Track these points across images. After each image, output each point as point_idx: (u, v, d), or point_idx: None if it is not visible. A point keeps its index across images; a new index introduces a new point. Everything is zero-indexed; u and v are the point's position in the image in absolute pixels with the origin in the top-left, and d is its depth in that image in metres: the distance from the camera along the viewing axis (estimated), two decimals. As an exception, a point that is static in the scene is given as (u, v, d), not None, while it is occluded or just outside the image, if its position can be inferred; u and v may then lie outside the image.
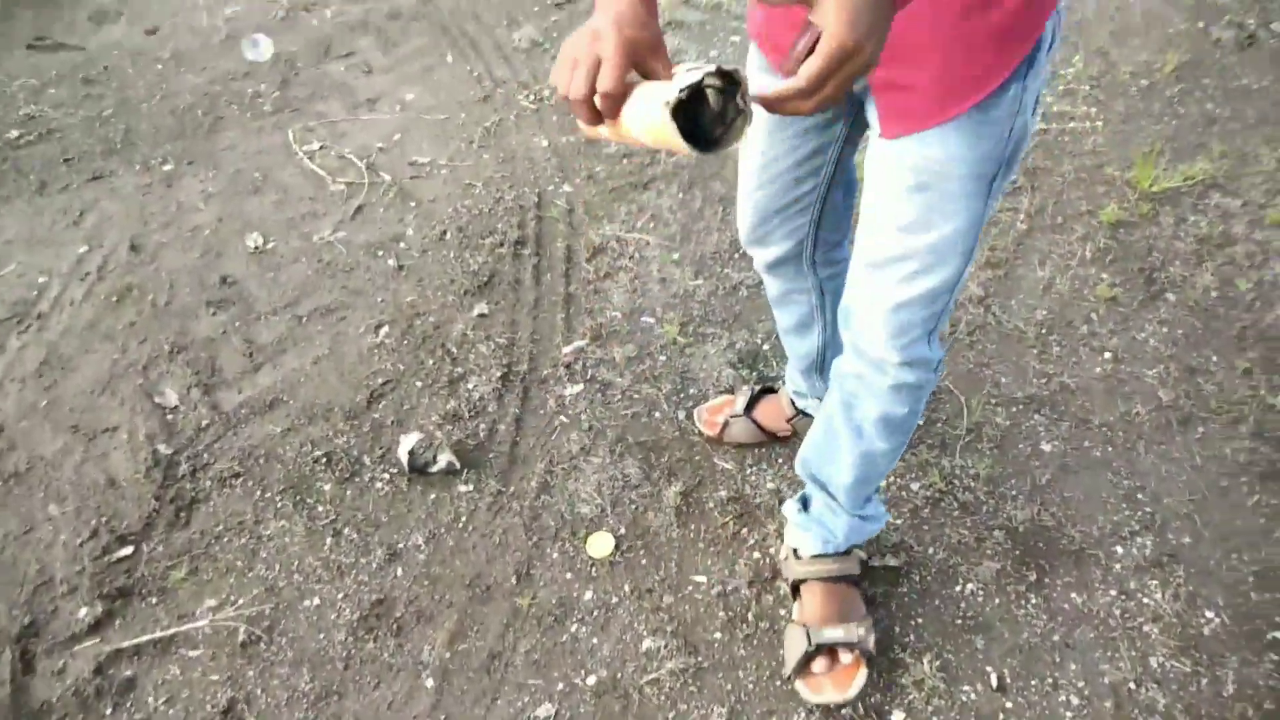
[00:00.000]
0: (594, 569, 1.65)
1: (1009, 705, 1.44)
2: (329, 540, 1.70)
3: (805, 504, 1.51)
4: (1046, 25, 0.94)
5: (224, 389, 2.00)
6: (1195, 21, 3.08)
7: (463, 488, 1.79)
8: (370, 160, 2.68)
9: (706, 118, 0.78)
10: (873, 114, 1.05)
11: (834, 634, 1.42)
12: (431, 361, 2.04)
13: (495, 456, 1.84)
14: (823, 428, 1.37)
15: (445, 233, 2.40)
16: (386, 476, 1.82)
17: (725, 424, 1.82)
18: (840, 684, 1.41)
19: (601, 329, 2.10)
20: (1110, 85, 2.82)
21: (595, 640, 1.55)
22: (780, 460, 1.82)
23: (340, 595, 1.62)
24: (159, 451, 1.86)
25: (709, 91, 0.77)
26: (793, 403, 1.79)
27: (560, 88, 0.80)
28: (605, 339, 2.08)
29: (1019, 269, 2.23)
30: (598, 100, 0.78)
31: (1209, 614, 1.56)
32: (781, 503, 1.73)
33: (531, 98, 2.91)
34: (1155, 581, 1.60)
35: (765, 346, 2.06)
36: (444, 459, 1.80)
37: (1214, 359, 1.99)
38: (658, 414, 1.92)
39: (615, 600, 1.60)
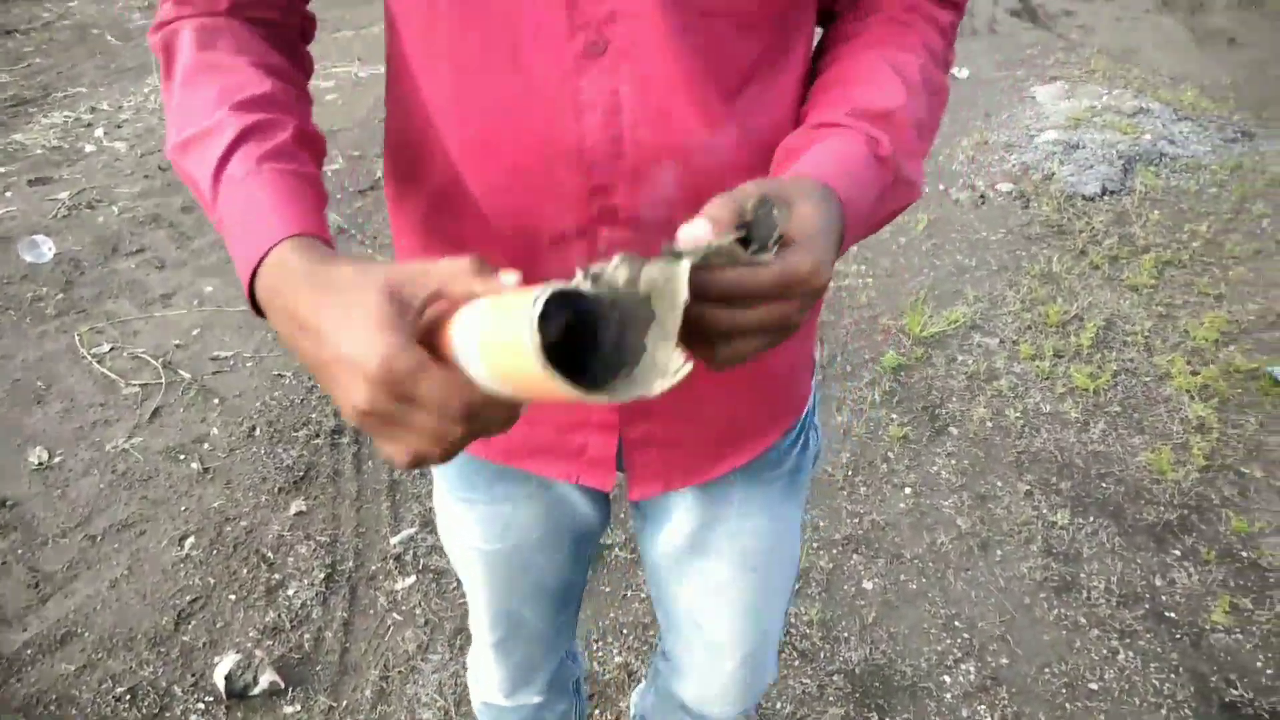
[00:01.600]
0: (441, 779, 1.56)
1: None
2: (135, 793, 1.52)
3: None
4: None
5: (4, 629, 1.78)
6: (937, 184, 3.55)
7: (289, 709, 1.65)
8: (167, 359, 2.56)
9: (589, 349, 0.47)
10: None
11: None
12: (245, 570, 1.92)
13: (323, 669, 1.73)
14: None
15: (254, 428, 2.30)
16: (202, 707, 1.65)
17: None
18: None
19: (431, 513, 2.06)
20: (874, 244, 3.17)
21: None
22: (625, 631, 1.82)
23: None
24: (-81, 716, 1.62)
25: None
26: None
27: (408, 459, 0.49)
28: (434, 523, 2.03)
29: (820, 417, 2.40)
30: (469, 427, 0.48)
31: (1034, 730, 1.66)
32: (631, 675, 1.71)
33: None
34: (983, 706, 1.70)
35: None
36: (265, 679, 1.67)
37: (999, 484, 2.20)
38: (495, 599, 1.88)
39: (467, 811, 1.51)
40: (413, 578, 1.91)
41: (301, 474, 2.16)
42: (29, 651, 1.74)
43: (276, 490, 2.11)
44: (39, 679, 1.69)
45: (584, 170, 0.66)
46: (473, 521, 0.94)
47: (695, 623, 1.01)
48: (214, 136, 0.59)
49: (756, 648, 1.01)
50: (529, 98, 0.65)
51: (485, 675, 1.15)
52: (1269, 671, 1.78)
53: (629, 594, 1.90)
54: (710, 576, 0.95)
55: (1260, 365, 2.67)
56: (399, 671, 1.72)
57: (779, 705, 1.68)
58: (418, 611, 1.84)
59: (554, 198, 0.68)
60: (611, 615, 1.84)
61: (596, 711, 1.67)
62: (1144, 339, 2.77)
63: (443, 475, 0.94)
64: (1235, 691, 1.74)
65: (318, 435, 2.28)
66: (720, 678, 1.04)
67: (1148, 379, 2.61)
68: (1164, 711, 1.70)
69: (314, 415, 2.34)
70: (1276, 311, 2.91)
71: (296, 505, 2.07)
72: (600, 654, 1.77)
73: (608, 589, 1.90)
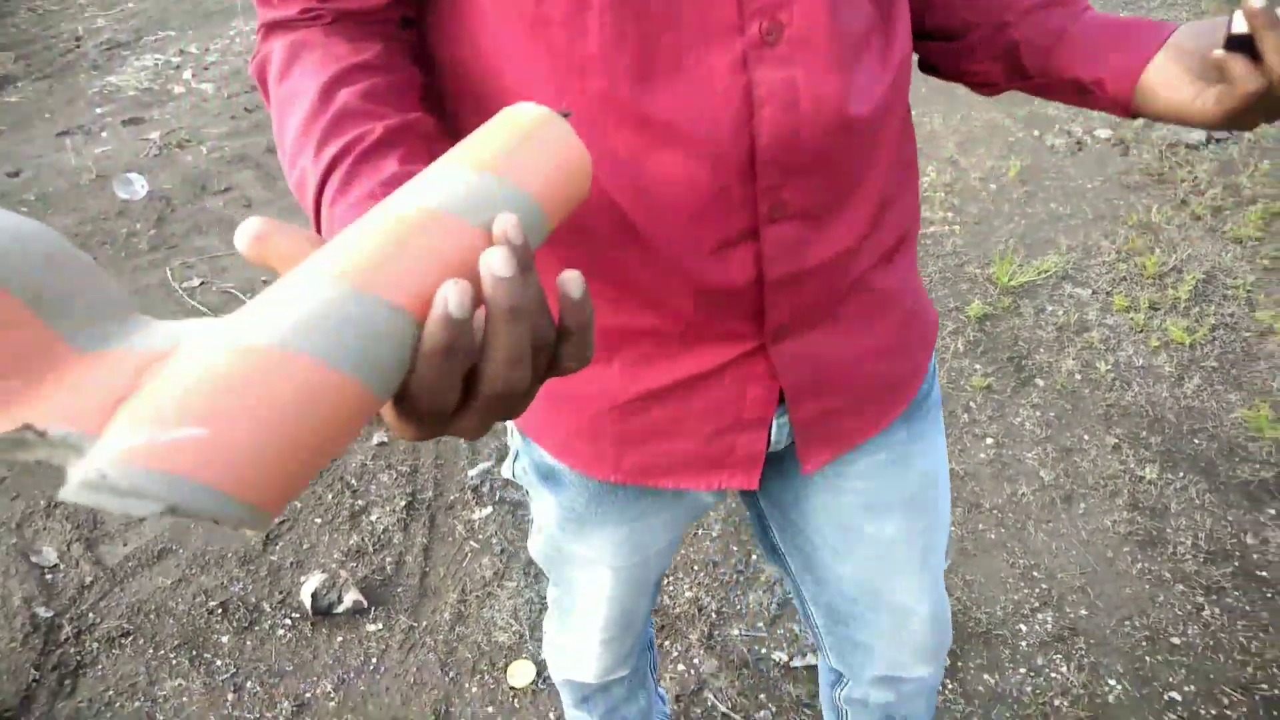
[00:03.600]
0: (516, 700, 1.60)
1: (941, 797, 1.46)
2: (230, 696, 1.60)
3: None
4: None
5: (106, 543, 1.89)
6: (1031, 130, 3.41)
7: (371, 627, 1.72)
8: (254, 293, 2.63)
9: None
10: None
11: None
12: (330, 496, 1.98)
13: (404, 591, 1.78)
14: None
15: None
16: (289, 622, 1.73)
17: None
18: None
19: (507, 448, 2.09)
20: (963, 190, 3.07)
21: (523, 776, 1.49)
22: (696, 568, 1.83)
23: (245, 757, 1.52)
24: (38, 615, 1.72)
25: None
26: None
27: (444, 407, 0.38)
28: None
29: (900, 364, 2.35)
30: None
31: (1111, 682, 1.63)
32: (700, 610, 1.73)
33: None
34: (1059, 656, 1.67)
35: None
36: (349, 598, 1.73)
37: (1085, 437, 2.14)
38: (569, 531, 1.91)
39: (541, 730, 1.56)
40: (489, 508, 1.95)
41: (383, 406, 2.22)
42: (130, 564, 1.84)
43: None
44: (139, 589, 1.79)
45: (758, 169, 0.63)
46: (602, 542, 0.90)
47: (872, 591, 0.94)
48: (304, 187, 0.56)
49: (938, 598, 0.96)
50: (695, 100, 0.60)
51: (582, 662, 1.12)
52: (1368, 636, 1.71)
53: (700, 532, 1.91)
54: (884, 533, 0.89)
55: (1373, 322, 2.52)
56: (476, 596, 1.77)
57: (850, 646, 1.68)
58: (494, 541, 1.88)
59: (722, 203, 0.64)
60: (683, 552, 1.86)
61: (666, 643, 1.69)
62: (1246, 293, 2.64)
63: (559, 504, 0.88)
64: (1330, 654, 1.67)
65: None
66: (915, 637, 0.97)
67: (1248, 334, 2.49)
68: (1250, 669, 1.65)
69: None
70: (1395, 266, 2.73)
71: (378, 435, 2.13)
72: (671, 589, 1.79)
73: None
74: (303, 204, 0.56)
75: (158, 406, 0.30)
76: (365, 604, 1.73)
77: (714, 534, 1.90)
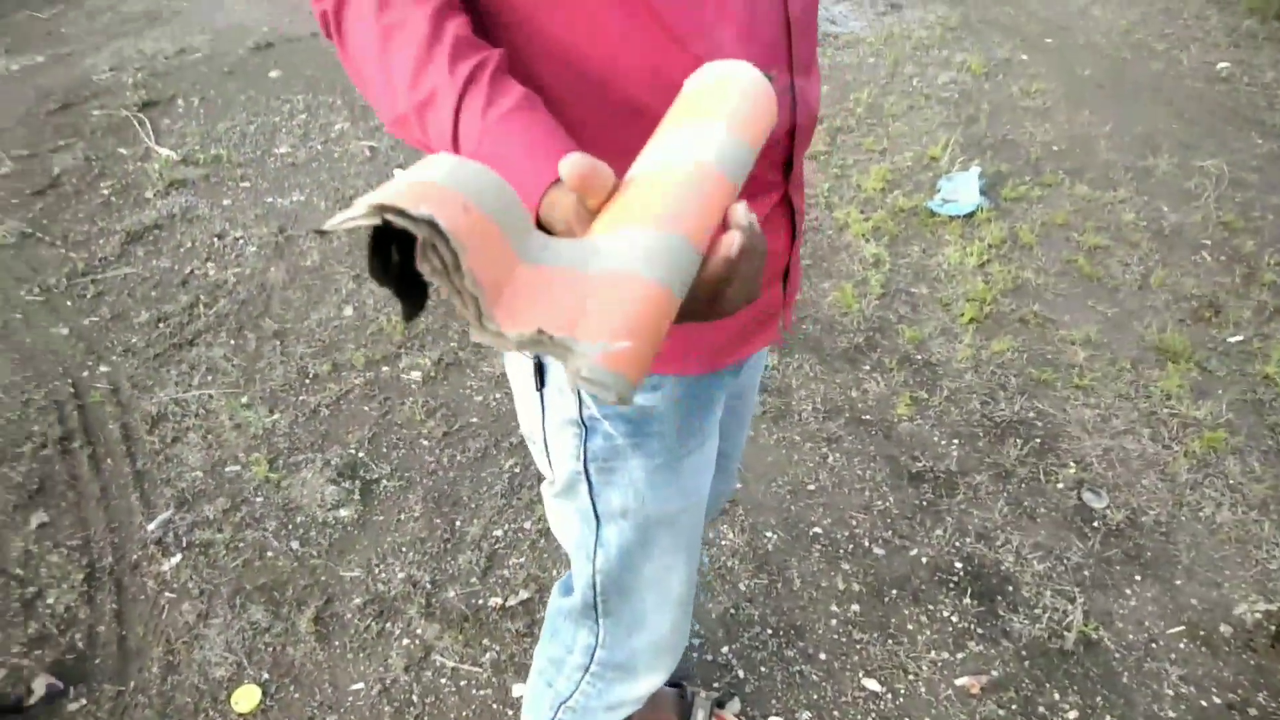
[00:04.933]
0: (247, 723, 1.61)
1: (650, 670, 1.68)
2: (-82, 830, 1.46)
3: None
4: None
5: None
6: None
7: (74, 706, 1.63)
8: None
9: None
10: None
11: None
12: (-7, 593, 1.83)
13: (103, 660, 1.71)
14: None
15: (-30, 455, 2.15)
16: (-26, 733, 1.60)
17: None
18: None
19: (185, 493, 2.04)
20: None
21: (269, 789, 1.52)
22: (404, 549, 1.92)
23: None
24: None
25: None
26: None
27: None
28: (193, 501, 2.02)
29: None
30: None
31: (768, 534, 1.94)
32: (415, 585, 1.83)
33: (35, 289, 2.71)
34: (725, 526, 1.96)
35: (360, 454, 2.15)
36: (40, 685, 1.63)
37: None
38: (269, 553, 1.92)
39: (278, 743, 1.58)
40: (178, 556, 1.90)
41: (36, 487, 2.06)
42: None
43: (12, 509, 2.01)
44: None
45: (792, 29, 0.79)
46: (689, 476, 0.95)
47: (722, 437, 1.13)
48: (434, 100, 0.61)
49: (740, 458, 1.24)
50: (752, 45, 0.75)
51: (663, 665, 1.14)
52: (942, 442, 2.17)
53: (402, 516, 1.99)
54: (743, 388, 1.12)
55: (918, 203, 3.11)
56: (183, 643, 1.74)
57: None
58: (190, 585, 1.85)
59: (774, 60, 0.79)
60: (388, 539, 1.94)
61: (388, 625, 1.77)
62: (825, 198, 3.14)
63: (649, 456, 0.92)
64: (919, 464, 2.11)
65: (45, 446, 2.17)
66: (713, 499, 1.21)
67: (830, 232, 2.98)
68: (867, 493, 2.04)
69: (36, 427, 2.22)
70: (928, 155, 3.37)
71: (38, 518, 1.99)
72: (383, 575, 1.86)
73: (380, 517, 1.99)
74: (422, 115, 0.62)
75: (611, 326, 0.45)
76: (61, 685, 1.64)
77: (415, 514, 2.00)
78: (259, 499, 2.04)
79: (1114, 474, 2.06)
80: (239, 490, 2.06)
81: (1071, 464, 2.09)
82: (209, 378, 2.37)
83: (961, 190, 3.13)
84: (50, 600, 1.82)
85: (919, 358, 2.44)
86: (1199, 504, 1.98)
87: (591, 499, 0.95)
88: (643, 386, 0.88)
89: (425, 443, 2.18)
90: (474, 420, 2.24)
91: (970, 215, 3.04)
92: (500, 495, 2.04)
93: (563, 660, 1.16)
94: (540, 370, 0.90)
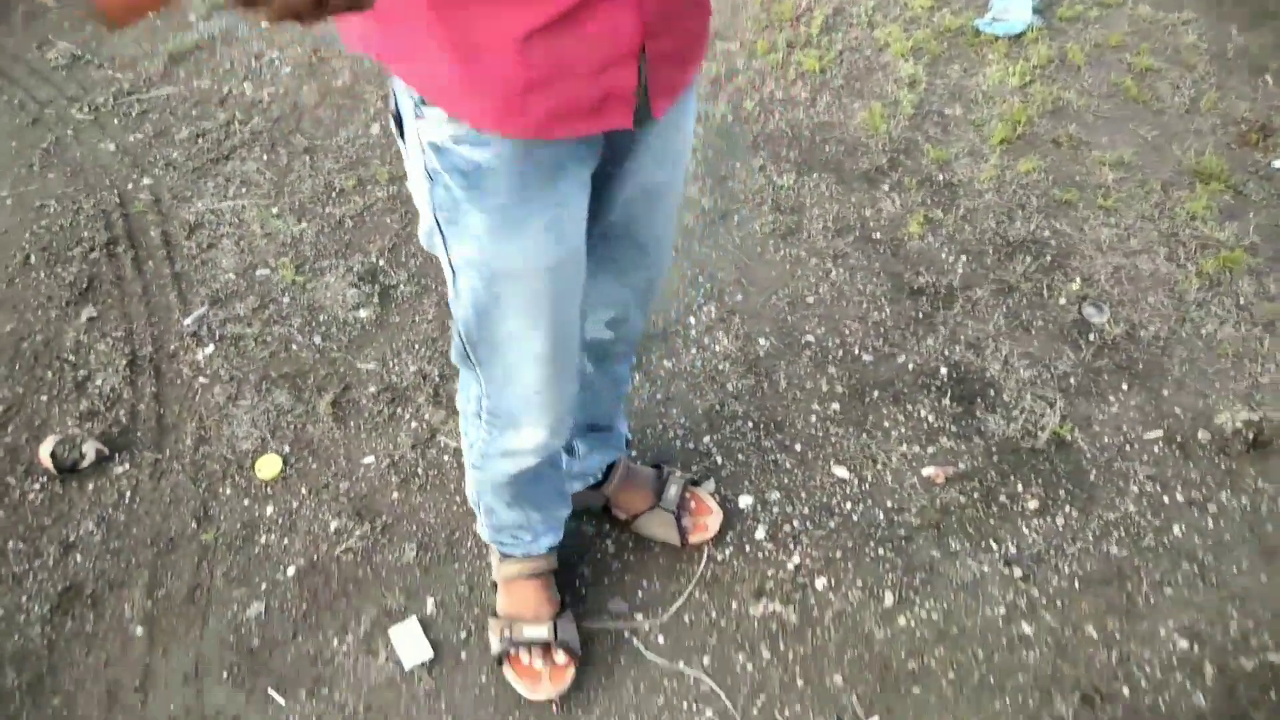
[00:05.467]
0: (269, 489, 1.79)
1: (633, 455, 1.79)
2: (-10, 560, 1.69)
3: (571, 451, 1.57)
4: None
5: None
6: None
7: (119, 469, 1.83)
8: (-81, 212, 2.50)
9: None
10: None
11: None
12: (50, 374, 2.03)
13: (143, 434, 1.90)
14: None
15: (29, 257, 2.33)
16: (37, 486, 1.81)
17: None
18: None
19: (219, 293, 2.18)
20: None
21: (286, 541, 1.70)
22: (417, 346, 2.04)
23: (24, 598, 1.63)
24: None
25: None
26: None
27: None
28: (225, 300, 2.17)
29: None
30: None
31: (761, 341, 2.00)
32: (425, 378, 1.95)
33: (85, 108, 2.83)
34: (721, 333, 2.02)
35: (381, 262, 2.25)
36: (90, 450, 1.83)
37: (736, 165, 2.46)
38: (294, 346, 2.06)
39: (296, 504, 1.76)
40: (211, 347, 2.06)
41: (85, 286, 2.23)
42: None
43: (65, 304, 2.19)
44: None
45: None
46: (535, 234, 0.97)
47: (633, 220, 1.15)
48: None
49: (666, 261, 1.24)
50: None
51: (534, 428, 1.20)
52: (949, 259, 2.16)
53: (416, 318, 2.10)
54: (656, 179, 1.11)
55: (966, 20, 2.96)
56: (214, 420, 1.91)
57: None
58: (222, 372, 2.01)
59: None
60: (403, 337, 2.05)
61: (399, 410, 1.91)
62: (867, 18, 3.02)
63: (487, 210, 0.95)
64: (922, 279, 2.11)
65: (93, 250, 2.32)
66: (645, 275, 1.25)
67: (869, 52, 2.87)
68: (865, 305, 2.06)
69: (85, 233, 2.37)
70: (980, -29, 3.18)
71: (87, 312, 2.16)
72: (396, 368, 1.99)
73: (397, 319, 2.11)
74: None
75: None
76: (108, 452, 1.84)
77: (429, 317, 2.11)
78: (286, 299, 2.17)
79: (1120, 290, 2.04)
80: (268, 291, 2.19)
81: (1078, 280, 2.06)
82: (242, 189, 2.48)
83: (1014, 7, 2.96)
84: (99, 382, 2.00)
85: (940, 178, 2.39)
86: (1202, 321, 1.96)
87: (446, 249, 1.01)
88: (472, 140, 0.91)
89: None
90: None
91: (1019, 35, 2.89)
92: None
93: (467, 411, 1.28)
94: (399, 120, 0.96)
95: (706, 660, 1.51)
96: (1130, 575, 1.56)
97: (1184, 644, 1.50)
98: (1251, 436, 1.70)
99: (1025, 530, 1.63)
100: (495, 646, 1.48)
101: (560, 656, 1.46)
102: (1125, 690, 1.45)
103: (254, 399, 1.95)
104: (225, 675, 1.52)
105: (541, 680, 1.45)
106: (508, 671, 1.47)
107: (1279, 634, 1.52)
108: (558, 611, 1.50)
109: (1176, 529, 1.61)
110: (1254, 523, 1.62)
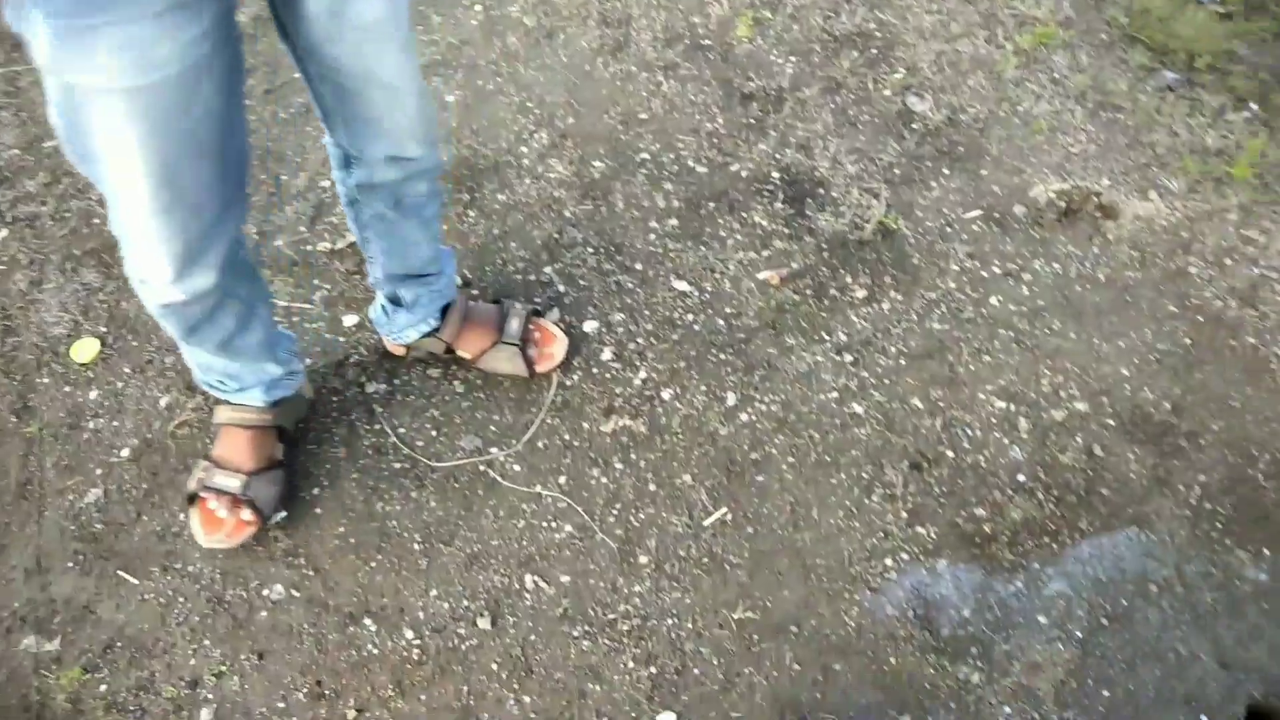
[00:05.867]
0: (90, 372, 1.69)
1: (474, 293, 1.75)
2: None
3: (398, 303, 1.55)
4: None
5: None
6: None
7: (-81, 372, 1.70)
8: None
9: None
10: None
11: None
12: None
13: (-59, 330, 1.75)
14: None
15: None
16: None
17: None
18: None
19: (3, 170, 1.98)
20: None
21: (116, 423, 1.62)
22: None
23: None
24: None
25: None
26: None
27: None
28: (13, 178, 1.97)
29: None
30: None
31: (596, 164, 1.95)
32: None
33: None
34: (555, 159, 1.96)
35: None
36: (-120, 355, 1.68)
37: (558, -21, 2.32)
38: (96, 219, 1.90)
39: (121, 385, 1.67)
40: (4, 230, 1.89)
41: None
42: None
43: None
44: None
45: None
46: (104, 54, 0.87)
47: (366, 71, 1.11)
48: None
49: (421, 84, 1.18)
50: None
51: (149, 259, 1.10)
52: (778, 61, 2.12)
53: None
54: (366, 17, 1.05)
55: None
56: (19, 308, 1.77)
57: (383, 216, 1.87)
58: (20, 256, 1.85)
59: None
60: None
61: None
62: None
63: (48, 15, 0.84)
64: (752, 84, 2.08)
65: None
66: (408, 114, 1.19)
67: None
68: (697, 116, 2.03)
69: None
70: None
71: None
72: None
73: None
74: None
75: None
76: (-99, 356, 1.69)
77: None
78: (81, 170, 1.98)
79: (942, 77, 2.06)
80: (59, 164, 2.00)
81: (902, 70, 2.07)
82: (15, 55, 2.22)
83: None
84: (-121, 282, 1.82)
85: (767, -22, 2.32)
86: (1019, 99, 2.00)
87: (26, 46, 0.92)
88: None
89: (247, 101, 2.09)
90: (295, 76, 2.14)
91: None
92: (324, 149, 1.99)
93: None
94: None
95: (562, 480, 1.55)
96: (951, 347, 1.65)
97: (1001, 404, 1.61)
98: (1063, 205, 1.78)
99: (855, 318, 1.69)
100: (189, 486, 1.47)
101: (246, 514, 1.45)
102: (950, 453, 1.56)
103: (60, 280, 1.81)
104: (70, 564, 1.48)
105: (221, 529, 1.45)
106: (192, 512, 1.47)
107: (1085, 385, 1.65)
108: (264, 468, 1.47)
109: (994, 300, 1.71)
110: (1063, 286, 1.72)
